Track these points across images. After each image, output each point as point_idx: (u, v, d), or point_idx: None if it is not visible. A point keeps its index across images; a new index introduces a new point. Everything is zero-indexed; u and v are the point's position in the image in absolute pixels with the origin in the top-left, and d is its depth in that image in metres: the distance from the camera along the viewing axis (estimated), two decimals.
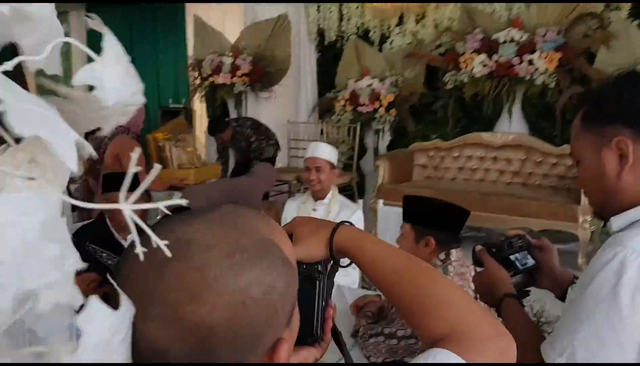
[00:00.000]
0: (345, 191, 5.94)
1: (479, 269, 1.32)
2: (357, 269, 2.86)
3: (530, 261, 1.28)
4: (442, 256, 1.83)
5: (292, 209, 3.04)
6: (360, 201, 3.21)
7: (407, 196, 1.97)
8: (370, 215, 4.30)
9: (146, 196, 3.75)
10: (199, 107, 7.27)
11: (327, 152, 2.90)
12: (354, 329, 1.95)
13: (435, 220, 1.85)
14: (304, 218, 0.82)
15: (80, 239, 2.37)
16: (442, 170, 5.42)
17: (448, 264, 1.81)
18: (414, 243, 1.88)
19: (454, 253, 1.84)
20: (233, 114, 6.11)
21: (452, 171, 5.36)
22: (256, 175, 3.87)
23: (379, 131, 5.79)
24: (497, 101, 4.98)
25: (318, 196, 2.94)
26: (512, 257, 1.26)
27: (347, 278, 2.83)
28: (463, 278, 1.78)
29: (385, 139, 5.83)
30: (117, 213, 2.47)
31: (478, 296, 1.27)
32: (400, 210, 2.05)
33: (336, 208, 2.91)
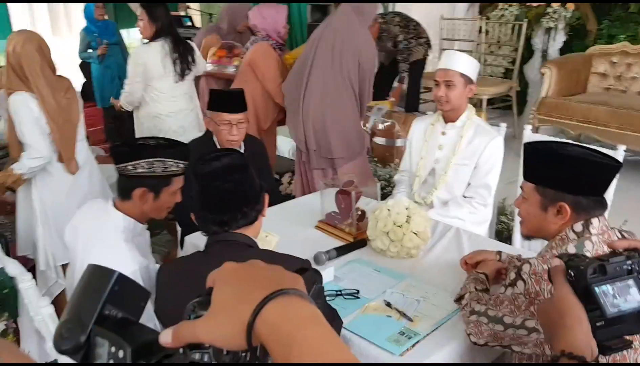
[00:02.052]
0: (503, 102, 5.22)
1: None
2: (489, 206, 2.46)
3: (636, 300, 0.78)
4: (578, 226, 1.36)
5: (419, 131, 2.63)
6: (504, 126, 2.66)
7: (530, 144, 1.46)
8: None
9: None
10: None
11: (462, 64, 2.40)
12: (459, 293, 1.62)
13: (571, 180, 1.35)
14: (232, 269, 0.51)
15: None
16: (626, 81, 4.44)
17: (586, 239, 1.34)
18: (541, 210, 1.41)
19: (596, 223, 1.36)
20: (379, 9, 5.57)
21: None
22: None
23: (551, 29, 4.86)
24: None
25: (449, 117, 2.50)
26: (598, 290, 0.77)
27: (474, 216, 2.41)
28: None
29: (558, 40, 4.90)
30: (220, 133, 2.34)
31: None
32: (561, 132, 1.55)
33: (470, 133, 2.45)
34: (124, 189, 1.72)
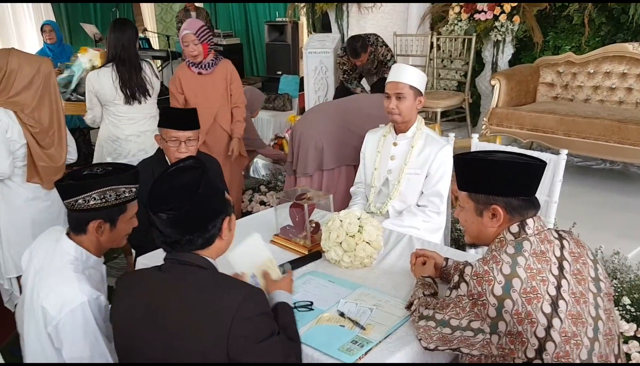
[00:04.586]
0: (458, 114, 5.35)
1: None
2: (442, 213, 2.50)
3: None
4: (514, 228, 1.41)
5: (372, 142, 2.68)
6: (452, 135, 2.74)
7: (458, 156, 1.52)
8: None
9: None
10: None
11: (411, 77, 2.45)
12: (409, 300, 1.64)
13: (499, 183, 1.40)
14: None
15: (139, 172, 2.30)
16: (573, 89, 4.60)
17: (523, 240, 1.38)
18: (477, 215, 1.46)
19: (531, 223, 1.40)
20: (334, 27, 5.66)
21: (586, 91, 4.53)
22: None
23: (499, 42, 5.02)
24: None
25: (400, 129, 2.55)
26: None
27: (428, 224, 2.45)
28: (543, 259, 1.35)
29: (507, 52, 5.05)
30: (168, 150, 2.33)
31: None
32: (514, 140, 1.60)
33: (420, 143, 2.50)
34: (78, 224, 1.64)
